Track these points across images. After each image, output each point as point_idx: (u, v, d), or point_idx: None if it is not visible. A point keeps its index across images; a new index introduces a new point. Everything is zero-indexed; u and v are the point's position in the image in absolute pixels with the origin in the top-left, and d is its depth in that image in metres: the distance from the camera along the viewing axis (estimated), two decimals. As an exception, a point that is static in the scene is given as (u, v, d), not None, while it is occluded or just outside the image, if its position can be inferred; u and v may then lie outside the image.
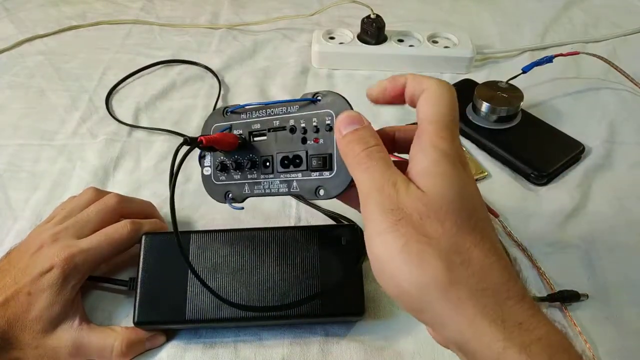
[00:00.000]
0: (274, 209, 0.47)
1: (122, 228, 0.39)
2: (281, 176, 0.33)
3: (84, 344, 0.36)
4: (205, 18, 0.77)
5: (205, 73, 0.65)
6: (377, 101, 0.30)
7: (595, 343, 0.38)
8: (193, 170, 0.51)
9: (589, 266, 0.43)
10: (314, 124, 0.31)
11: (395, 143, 0.31)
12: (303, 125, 0.32)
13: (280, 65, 0.67)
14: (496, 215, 0.46)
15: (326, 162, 0.31)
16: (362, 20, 0.66)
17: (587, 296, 0.40)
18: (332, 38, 0.68)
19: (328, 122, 0.31)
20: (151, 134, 0.56)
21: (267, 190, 0.33)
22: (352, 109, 0.30)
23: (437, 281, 0.22)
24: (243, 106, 0.34)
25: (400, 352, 0.37)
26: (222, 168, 0.35)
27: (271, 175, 0.33)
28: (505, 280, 0.23)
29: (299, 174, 0.32)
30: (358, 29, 0.67)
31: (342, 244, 0.38)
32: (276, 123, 0.33)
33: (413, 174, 0.25)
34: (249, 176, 0.34)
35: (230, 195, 0.35)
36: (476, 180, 0.50)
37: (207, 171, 0.36)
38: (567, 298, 0.40)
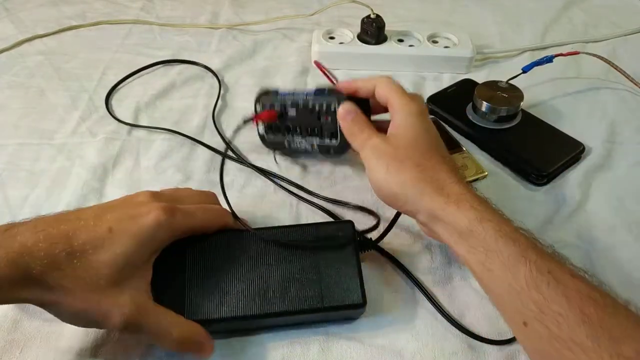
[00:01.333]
0: (275, 206, 0.48)
1: (221, 210, 0.40)
2: (306, 139, 0.49)
3: (144, 315, 0.32)
4: (205, 18, 0.77)
5: (205, 73, 0.65)
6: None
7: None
8: (194, 169, 0.51)
9: (589, 266, 0.43)
10: (324, 107, 0.46)
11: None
12: (318, 108, 0.47)
13: (280, 65, 0.67)
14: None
15: (333, 135, 0.48)
16: (362, 20, 0.66)
17: None
18: (332, 38, 0.68)
19: (333, 107, 0.46)
20: (151, 134, 0.56)
21: (298, 147, 0.50)
22: (347, 99, 0.45)
23: (410, 179, 0.37)
24: (278, 91, 0.49)
25: (400, 351, 0.37)
26: (269, 129, 0.51)
27: (299, 138, 0.50)
28: (447, 174, 0.38)
29: (317, 139, 0.49)
30: (358, 29, 0.67)
31: (339, 239, 0.39)
32: (300, 103, 0.47)
33: (393, 127, 0.41)
34: (287, 135, 0.50)
35: (275, 149, 0.52)
36: (476, 180, 0.51)
37: (261, 131, 0.51)
38: None
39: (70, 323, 0.33)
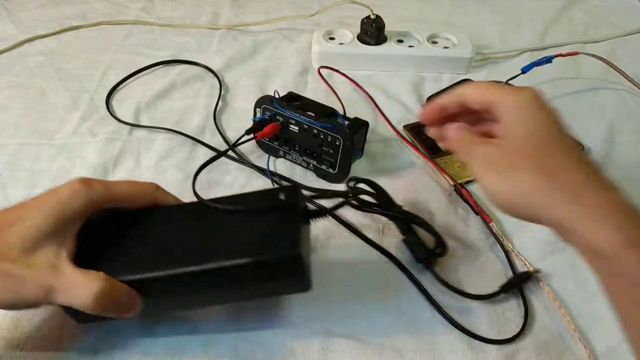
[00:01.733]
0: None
1: (149, 185, 0.37)
2: (303, 157, 0.50)
3: (61, 275, 0.31)
4: (205, 18, 0.77)
5: (205, 73, 0.66)
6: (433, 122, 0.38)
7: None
8: (194, 169, 0.51)
9: (589, 266, 0.43)
10: (329, 139, 0.47)
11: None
12: (322, 136, 0.48)
13: (280, 65, 0.67)
14: (488, 221, 0.46)
15: (332, 164, 0.49)
16: (362, 21, 0.66)
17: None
18: (332, 38, 0.68)
19: (337, 143, 0.47)
20: (152, 134, 0.56)
21: (294, 161, 0.51)
22: (353, 141, 0.46)
23: (530, 188, 0.31)
24: (279, 99, 0.50)
25: (400, 350, 0.37)
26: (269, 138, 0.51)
27: (297, 154, 0.51)
28: (579, 175, 0.31)
29: (314, 161, 0.50)
30: (358, 30, 0.67)
31: (282, 201, 0.35)
32: (305, 127, 0.48)
33: (502, 128, 0.34)
34: (283, 147, 0.51)
35: (270, 152, 0.52)
36: (475, 180, 0.51)
37: (266, 139, 0.51)
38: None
39: None
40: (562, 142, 0.32)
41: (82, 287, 0.31)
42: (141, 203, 0.37)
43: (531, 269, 0.42)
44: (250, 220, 0.35)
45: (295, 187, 0.38)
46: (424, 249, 0.42)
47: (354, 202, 0.41)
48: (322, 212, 0.38)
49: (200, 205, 0.37)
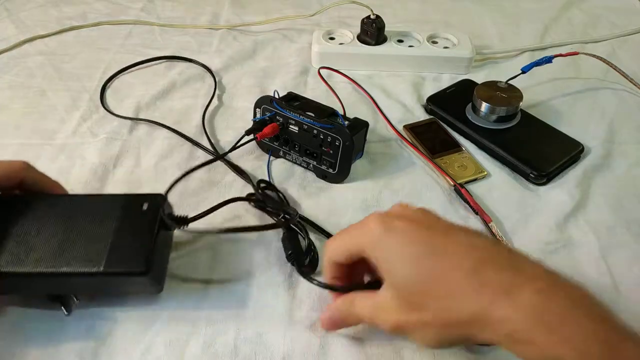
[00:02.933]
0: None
1: (14, 163, 0.38)
2: (303, 157, 0.50)
3: None
4: (205, 18, 0.77)
5: (205, 73, 0.66)
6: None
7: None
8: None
9: (589, 265, 0.43)
10: (329, 139, 0.47)
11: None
12: (322, 136, 0.48)
13: (280, 65, 0.67)
14: (488, 221, 0.46)
15: (332, 165, 0.49)
16: (362, 21, 0.66)
17: None
18: (332, 38, 0.68)
19: (337, 143, 0.47)
20: (152, 133, 0.56)
21: (294, 161, 0.52)
22: (353, 142, 0.46)
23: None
24: (278, 99, 0.50)
25: (400, 351, 0.37)
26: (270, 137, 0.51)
27: (297, 154, 0.51)
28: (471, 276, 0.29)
29: (314, 162, 0.50)
30: (358, 30, 0.67)
31: (144, 210, 0.37)
32: (305, 127, 0.48)
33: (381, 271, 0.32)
34: (283, 147, 0.51)
35: (270, 152, 0.53)
36: (475, 180, 0.51)
37: (266, 140, 0.51)
38: None
39: None
40: (440, 265, 0.30)
41: None
42: (9, 182, 0.37)
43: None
44: (111, 224, 0.37)
45: (161, 196, 0.39)
46: (295, 250, 0.42)
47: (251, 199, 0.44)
48: (186, 220, 0.39)
49: (68, 199, 0.39)
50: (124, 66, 0.65)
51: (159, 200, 0.38)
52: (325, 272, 0.37)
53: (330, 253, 0.36)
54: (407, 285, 0.31)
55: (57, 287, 0.38)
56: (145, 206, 0.38)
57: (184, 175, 0.42)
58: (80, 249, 0.36)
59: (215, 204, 0.41)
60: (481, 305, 0.28)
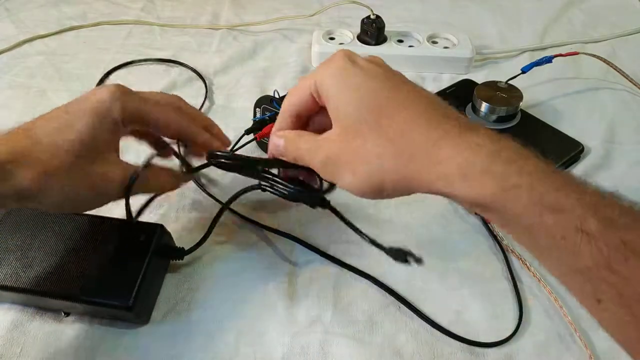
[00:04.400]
0: (276, 207, 0.48)
1: (173, 96, 0.39)
2: None
3: (121, 171, 0.34)
4: (205, 18, 0.77)
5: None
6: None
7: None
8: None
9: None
10: None
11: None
12: None
13: (280, 65, 0.67)
14: (488, 221, 0.46)
15: None
16: (362, 21, 0.66)
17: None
18: (332, 38, 0.68)
19: None
20: (151, 134, 0.56)
21: None
22: None
23: (374, 160, 0.28)
24: (277, 106, 0.47)
25: (400, 351, 0.37)
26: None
27: None
28: (430, 124, 0.28)
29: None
30: (358, 30, 0.67)
31: (141, 241, 0.38)
32: None
33: (329, 111, 0.31)
34: None
35: None
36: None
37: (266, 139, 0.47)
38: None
39: (61, 209, 0.34)
40: (397, 98, 0.28)
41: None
42: (168, 122, 0.37)
43: (531, 270, 0.43)
44: (106, 251, 0.38)
45: (160, 227, 0.39)
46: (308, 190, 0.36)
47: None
48: (182, 252, 0.40)
49: (71, 218, 0.39)
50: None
51: (156, 233, 0.39)
52: (279, 122, 0.34)
53: (290, 96, 0.33)
54: (357, 114, 0.28)
55: (48, 304, 0.39)
56: (142, 237, 0.38)
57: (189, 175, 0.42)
58: (73, 273, 0.37)
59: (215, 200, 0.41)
60: (432, 138, 0.26)
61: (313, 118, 0.33)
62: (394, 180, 0.28)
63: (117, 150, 0.36)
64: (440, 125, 0.27)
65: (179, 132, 0.38)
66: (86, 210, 0.35)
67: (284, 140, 0.33)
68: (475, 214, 0.47)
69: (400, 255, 0.33)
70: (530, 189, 0.25)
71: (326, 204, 0.35)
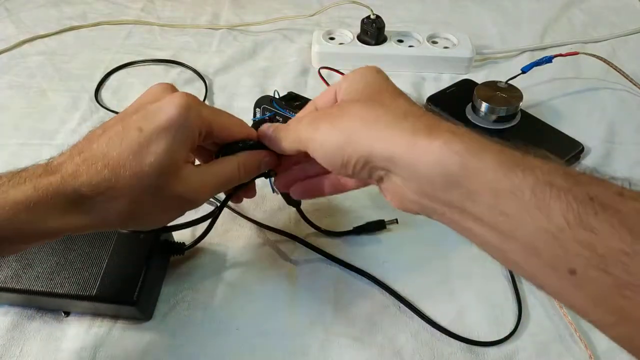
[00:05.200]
0: (276, 205, 0.48)
1: (240, 121, 0.35)
2: None
3: (210, 176, 0.32)
4: (205, 18, 0.77)
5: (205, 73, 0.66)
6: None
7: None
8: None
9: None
10: None
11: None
12: None
13: (280, 65, 0.67)
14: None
15: None
16: (362, 21, 0.66)
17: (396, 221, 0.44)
18: (332, 38, 0.68)
19: None
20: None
21: None
22: None
23: (353, 124, 0.29)
24: (278, 98, 0.48)
25: (399, 351, 0.37)
26: None
27: None
28: (408, 106, 0.29)
29: None
30: (358, 30, 0.67)
31: (140, 237, 0.38)
32: None
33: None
34: None
35: None
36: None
37: None
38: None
39: (147, 228, 0.33)
40: (392, 91, 0.31)
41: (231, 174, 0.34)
42: (231, 137, 0.35)
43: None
44: (108, 249, 0.38)
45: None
46: None
47: None
48: (183, 248, 0.41)
49: None
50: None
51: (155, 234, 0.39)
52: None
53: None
54: (354, 92, 0.31)
55: (49, 304, 0.39)
56: (142, 234, 0.38)
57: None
58: (75, 271, 0.37)
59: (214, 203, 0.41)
60: (401, 142, 0.26)
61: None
62: (352, 161, 0.29)
63: (191, 159, 0.35)
64: (417, 123, 0.27)
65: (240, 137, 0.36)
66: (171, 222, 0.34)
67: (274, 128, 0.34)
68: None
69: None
70: (499, 153, 0.25)
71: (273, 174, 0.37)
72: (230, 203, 0.43)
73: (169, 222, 0.33)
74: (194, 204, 0.33)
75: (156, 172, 0.29)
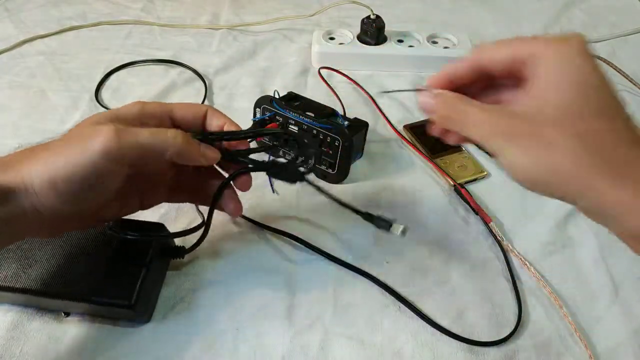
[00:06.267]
0: (276, 205, 0.48)
1: (201, 106, 0.36)
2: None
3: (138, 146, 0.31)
4: (205, 19, 0.77)
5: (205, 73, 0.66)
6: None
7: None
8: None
9: (589, 265, 0.43)
10: (328, 140, 0.47)
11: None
12: (321, 137, 0.47)
13: (280, 65, 0.67)
14: (488, 221, 0.46)
15: (332, 165, 0.49)
16: (362, 21, 0.66)
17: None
18: (332, 38, 0.68)
19: (337, 143, 0.47)
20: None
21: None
22: (352, 142, 0.46)
23: (564, 164, 0.26)
24: (278, 99, 0.50)
25: (399, 351, 0.37)
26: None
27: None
28: (630, 145, 0.26)
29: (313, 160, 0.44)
30: (358, 30, 0.67)
31: (139, 242, 0.38)
32: (305, 127, 0.48)
33: (534, 88, 0.28)
34: (282, 147, 0.51)
35: (270, 152, 0.52)
36: (475, 180, 0.51)
37: (266, 140, 0.52)
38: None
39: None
40: (607, 107, 0.26)
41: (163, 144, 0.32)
42: (196, 121, 0.36)
43: (531, 270, 0.43)
44: (107, 251, 0.38)
45: (161, 226, 0.40)
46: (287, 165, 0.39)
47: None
48: (182, 251, 0.40)
49: None
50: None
51: (157, 232, 0.39)
52: (446, 70, 0.31)
53: (482, 51, 0.29)
54: (568, 108, 0.26)
55: (49, 305, 0.39)
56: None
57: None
58: (75, 272, 0.37)
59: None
60: (618, 203, 0.25)
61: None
62: (562, 182, 0.27)
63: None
64: (632, 144, 0.26)
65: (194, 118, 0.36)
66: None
67: (443, 97, 0.30)
68: (476, 213, 0.47)
69: (384, 223, 0.38)
70: None
71: (304, 178, 0.38)
72: None
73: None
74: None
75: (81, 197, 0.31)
